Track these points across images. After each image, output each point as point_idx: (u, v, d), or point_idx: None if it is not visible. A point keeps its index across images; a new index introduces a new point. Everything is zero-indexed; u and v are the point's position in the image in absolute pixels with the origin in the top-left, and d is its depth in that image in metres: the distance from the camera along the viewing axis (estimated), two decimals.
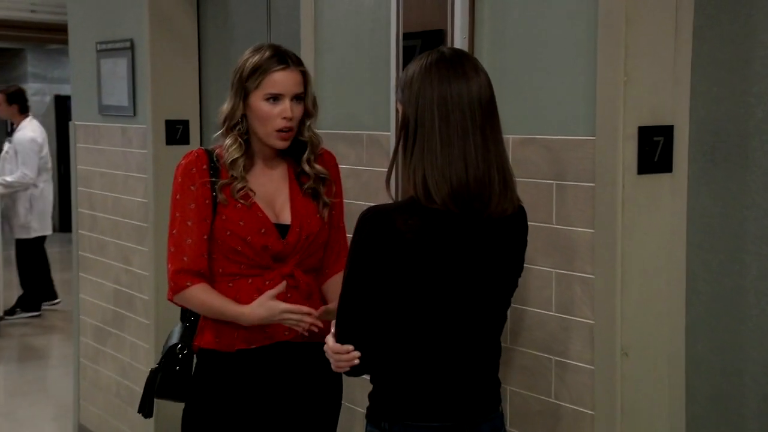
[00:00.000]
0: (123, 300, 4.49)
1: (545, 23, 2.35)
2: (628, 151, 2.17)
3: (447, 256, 1.89)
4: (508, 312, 2.09)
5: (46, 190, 7.78)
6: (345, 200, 2.63)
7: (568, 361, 2.30)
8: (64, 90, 12.17)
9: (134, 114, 4.34)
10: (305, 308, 2.36)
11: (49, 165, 7.81)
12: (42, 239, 7.84)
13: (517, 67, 2.43)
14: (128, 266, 4.43)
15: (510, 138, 2.36)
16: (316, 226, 2.46)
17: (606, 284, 2.20)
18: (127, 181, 4.41)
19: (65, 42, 5.13)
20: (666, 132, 2.21)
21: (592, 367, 2.24)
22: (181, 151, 2.95)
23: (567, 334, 2.30)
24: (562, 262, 2.31)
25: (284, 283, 2.37)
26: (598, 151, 2.21)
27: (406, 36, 2.78)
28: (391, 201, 2.01)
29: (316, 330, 2.38)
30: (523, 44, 2.41)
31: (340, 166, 2.62)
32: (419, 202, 1.88)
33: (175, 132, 4.19)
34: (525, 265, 2.12)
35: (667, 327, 2.24)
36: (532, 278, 2.36)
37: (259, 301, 2.35)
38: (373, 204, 1.97)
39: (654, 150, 2.19)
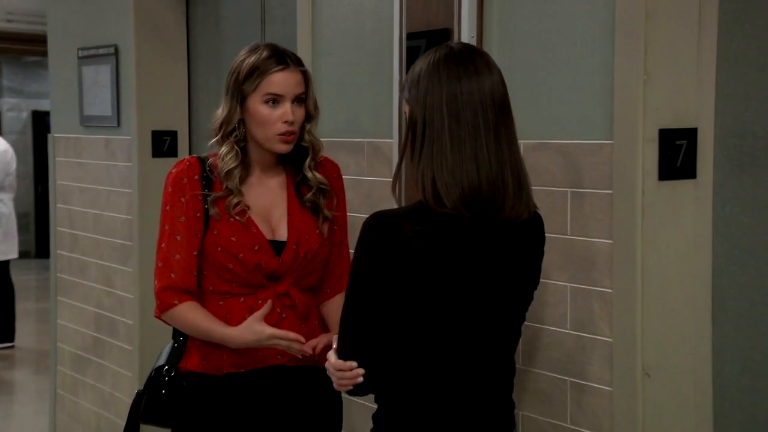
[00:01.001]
0: (104, 325, 4.49)
1: (558, 19, 2.37)
2: (649, 156, 2.18)
3: (458, 263, 1.89)
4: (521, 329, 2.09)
5: (9, 207, 7.76)
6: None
7: (585, 382, 2.30)
8: (42, 105, 12.22)
9: (118, 124, 4.36)
10: (292, 334, 2.35)
11: (15, 185, 7.82)
12: (6, 264, 7.80)
13: (529, 67, 2.44)
14: (110, 288, 4.44)
15: (522, 143, 2.35)
16: (315, 242, 2.46)
17: (625, 299, 2.20)
18: (110, 197, 4.43)
19: (44, 54, 5.17)
20: (689, 135, 2.22)
21: (611, 389, 2.24)
22: (168, 164, 2.96)
23: (584, 353, 2.30)
24: (578, 275, 2.31)
25: (269, 302, 2.36)
26: (616, 156, 2.22)
27: (410, 36, 2.80)
28: (397, 206, 2.02)
29: (310, 353, 2.38)
30: (535, 42, 2.43)
31: None
32: (428, 206, 1.89)
33: (162, 143, 4.21)
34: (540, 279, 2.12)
35: (692, 346, 2.24)
36: (546, 294, 2.36)
37: (246, 324, 2.35)
38: None
39: (676, 154, 2.20)
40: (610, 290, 2.24)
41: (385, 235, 1.87)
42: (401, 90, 2.14)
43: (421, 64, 1.94)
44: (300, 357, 2.39)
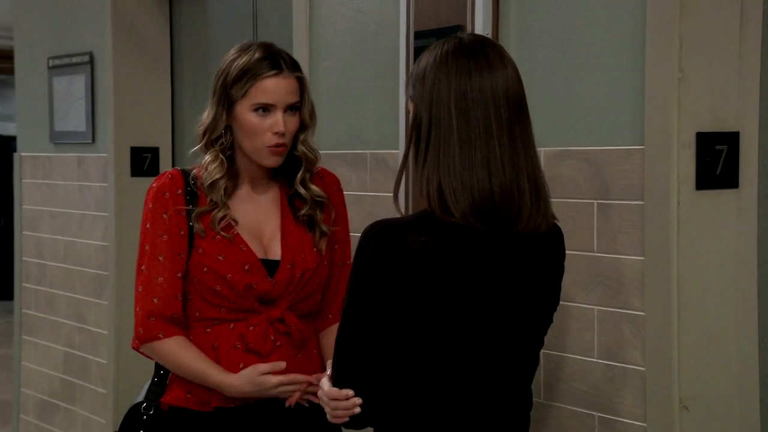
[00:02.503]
0: (75, 366, 4.49)
1: (582, 13, 2.40)
2: (685, 163, 2.19)
3: (468, 280, 1.90)
4: (540, 356, 2.09)
5: None
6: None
7: (616, 418, 2.29)
8: (8, 129, 12.24)
9: (93, 141, 4.39)
10: (302, 377, 2.35)
11: None
12: None
13: (550, 67, 2.47)
14: (83, 324, 4.44)
15: (542, 151, 2.38)
16: (312, 261, 2.46)
17: (660, 323, 2.20)
18: (84, 222, 4.45)
19: (10, 71, 5.20)
20: (730, 139, 2.23)
21: (645, 425, 2.23)
22: (148, 184, 2.95)
23: (613, 384, 2.30)
24: (605, 297, 2.32)
25: (284, 364, 2.37)
26: (648, 164, 2.23)
27: (418, 35, 2.83)
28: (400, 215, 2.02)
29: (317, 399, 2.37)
30: (557, 39, 2.45)
31: None
32: (434, 215, 1.90)
33: (143, 161, 4.24)
34: (561, 302, 2.13)
35: (737, 374, 2.24)
36: (569, 318, 2.37)
37: (247, 374, 2.35)
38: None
39: (716, 161, 2.22)
40: (642, 313, 2.25)
41: (387, 246, 1.88)
42: (405, 86, 2.16)
43: (427, 58, 1.96)
44: (306, 405, 2.38)
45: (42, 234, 4.77)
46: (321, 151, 2.56)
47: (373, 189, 2.96)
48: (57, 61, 4.62)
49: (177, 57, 4.32)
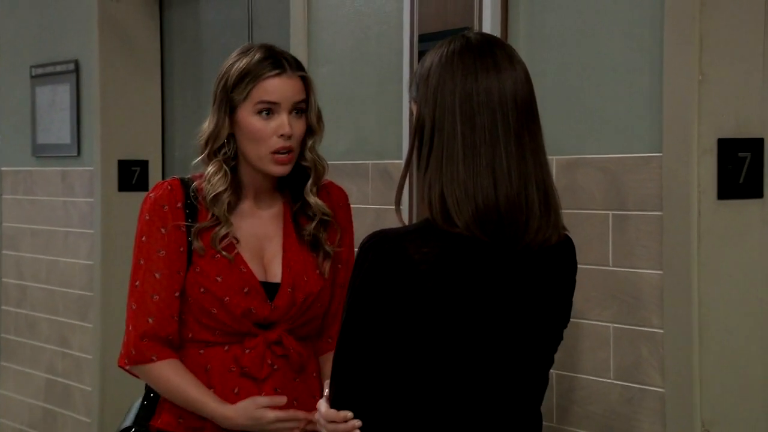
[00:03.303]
0: (57, 393, 4.49)
1: (596, 12, 2.41)
2: (705, 171, 2.20)
3: (473, 294, 1.90)
4: (552, 378, 2.10)
5: None
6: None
7: None
8: None
9: (78, 154, 4.41)
10: (302, 414, 2.35)
11: None
12: None
13: (562, 69, 2.48)
14: (66, 349, 4.45)
15: (554, 159, 2.40)
16: (315, 285, 2.45)
17: (680, 341, 2.20)
18: (68, 240, 4.46)
19: None
20: (754, 146, 2.24)
21: None
22: (137, 199, 2.98)
23: (630, 407, 2.30)
24: (621, 314, 2.32)
25: (284, 399, 2.37)
26: (667, 172, 2.24)
27: (423, 38, 2.84)
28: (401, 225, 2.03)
29: None
30: (569, 40, 2.47)
31: None
32: (436, 225, 1.90)
33: (131, 175, 4.25)
34: (574, 319, 2.13)
35: (762, 396, 2.24)
36: (583, 336, 2.37)
37: (243, 406, 2.35)
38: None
39: (739, 169, 2.22)
40: (660, 331, 2.25)
41: (387, 258, 1.88)
42: (408, 87, 2.17)
43: (432, 57, 1.96)
44: None
45: (23, 253, 4.78)
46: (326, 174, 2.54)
47: (376, 202, 2.96)
48: (40, 70, 4.65)
49: (168, 64, 4.34)
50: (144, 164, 4.29)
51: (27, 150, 4.76)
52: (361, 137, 3.06)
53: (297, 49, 3.25)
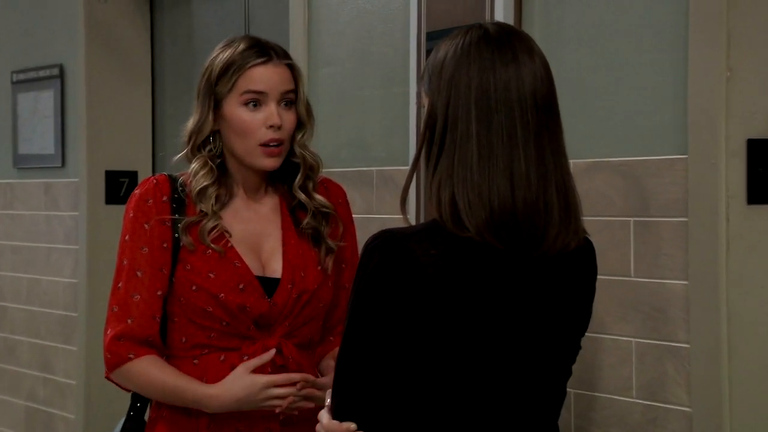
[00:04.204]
0: (39, 422, 4.48)
1: (616, 6, 2.42)
2: (734, 174, 2.21)
3: (484, 298, 1.89)
4: (570, 396, 2.10)
5: None
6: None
7: None
8: None
9: (63, 164, 4.42)
10: (296, 375, 2.35)
11: None
12: None
13: (580, 67, 2.49)
14: (48, 374, 4.44)
15: (571, 163, 2.36)
16: (315, 281, 2.46)
17: (707, 357, 2.20)
18: (51, 257, 4.46)
19: None
20: None
21: None
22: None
23: (654, 428, 2.29)
24: (644, 328, 2.32)
25: (272, 351, 2.37)
26: (692, 175, 2.24)
27: (431, 36, 2.85)
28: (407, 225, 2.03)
29: (312, 406, 2.36)
30: (588, 35, 2.47)
31: None
32: (444, 227, 1.90)
33: (119, 187, 4.26)
34: (593, 334, 2.14)
35: None
36: (603, 352, 2.37)
37: (235, 375, 2.35)
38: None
39: None
40: (687, 345, 2.25)
41: (392, 259, 1.88)
42: (419, 79, 2.18)
43: (446, 48, 1.96)
44: (296, 413, 2.36)
45: (2, 272, 4.79)
46: (321, 169, 2.56)
47: (380, 211, 2.97)
48: (22, 75, 4.66)
49: (159, 68, 4.36)
50: (133, 175, 4.30)
51: (7, 161, 4.77)
52: (364, 142, 3.07)
53: (296, 49, 3.26)
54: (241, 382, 2.35)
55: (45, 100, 4.50)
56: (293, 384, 2.35)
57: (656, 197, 2.32)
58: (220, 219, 2.42)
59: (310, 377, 2.37)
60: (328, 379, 2.36)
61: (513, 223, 1.88)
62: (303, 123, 2.47)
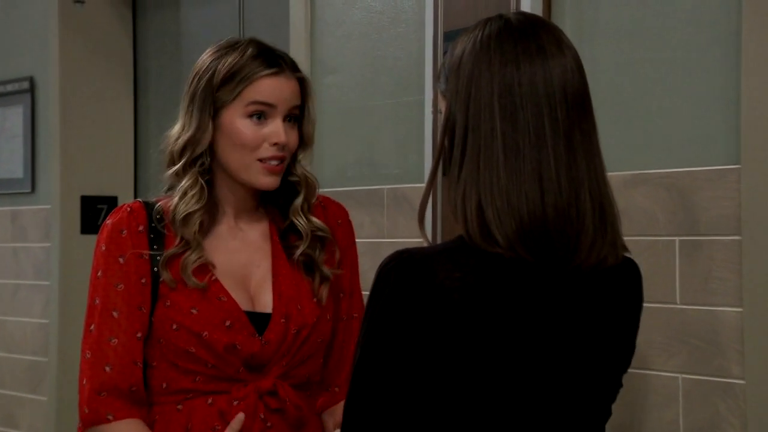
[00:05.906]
0: None
1: (658, 1, 2.45)
2: None
3: (516, 328, 1.90)
4: None
5: None
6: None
7: None
8: None
9: (32, 190, 4.43)
10: None
11: None
12: None
13: (617, 68, 2.50)
14: (12, 429, 4.42)
15: (608, 176, 2.40)
16: (311, 314, 2.46)
17: (765, 394, 2.20)
18: (18, 294, 4.47)
19: None
20: None
21: None
22: None
23: None
24: (693, 362, 2.32)
25: (239, 416, 2.37)
26: (746, 187, 2.25)
27: (449, 37, 2.87)
28: (427, 244, 2.04)
29: None
30: (625, 32, 2.49)
31: None
32: (472, 243, 1.91)
33: (96, 214, 4.27)
34: (634, 369, 2.13)
35: None
36: (646, 389, 2.36)
37: None
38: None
39: None
40: (742, 381, 2.24)
41: (412, 283, 1.88)
42: (436, 79, 2.19)
43: (464, 43, 1.98)
44: None
45: None
46: (325, 189, 2.58)
47: (393, 234, 2.98)
48: None
49: (142, 81, 4.38)
50: (112, 201, 4.31)
51: None
52: (374, 158, 3.09)
53: (298, 55, 3.27)
54: None
55: (13, 117, 4.52)
56: None
57: (705, 213, 2.32)
58: (203, 250, 2.42)
59: None
60: None
61: (543, 232, 1.88)
62: (306, 142, 2.49)
